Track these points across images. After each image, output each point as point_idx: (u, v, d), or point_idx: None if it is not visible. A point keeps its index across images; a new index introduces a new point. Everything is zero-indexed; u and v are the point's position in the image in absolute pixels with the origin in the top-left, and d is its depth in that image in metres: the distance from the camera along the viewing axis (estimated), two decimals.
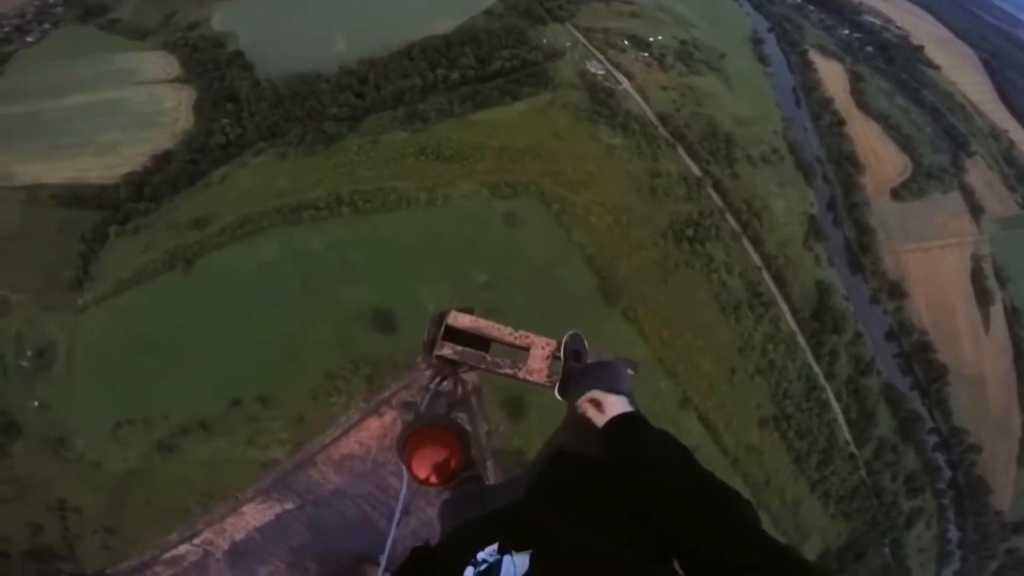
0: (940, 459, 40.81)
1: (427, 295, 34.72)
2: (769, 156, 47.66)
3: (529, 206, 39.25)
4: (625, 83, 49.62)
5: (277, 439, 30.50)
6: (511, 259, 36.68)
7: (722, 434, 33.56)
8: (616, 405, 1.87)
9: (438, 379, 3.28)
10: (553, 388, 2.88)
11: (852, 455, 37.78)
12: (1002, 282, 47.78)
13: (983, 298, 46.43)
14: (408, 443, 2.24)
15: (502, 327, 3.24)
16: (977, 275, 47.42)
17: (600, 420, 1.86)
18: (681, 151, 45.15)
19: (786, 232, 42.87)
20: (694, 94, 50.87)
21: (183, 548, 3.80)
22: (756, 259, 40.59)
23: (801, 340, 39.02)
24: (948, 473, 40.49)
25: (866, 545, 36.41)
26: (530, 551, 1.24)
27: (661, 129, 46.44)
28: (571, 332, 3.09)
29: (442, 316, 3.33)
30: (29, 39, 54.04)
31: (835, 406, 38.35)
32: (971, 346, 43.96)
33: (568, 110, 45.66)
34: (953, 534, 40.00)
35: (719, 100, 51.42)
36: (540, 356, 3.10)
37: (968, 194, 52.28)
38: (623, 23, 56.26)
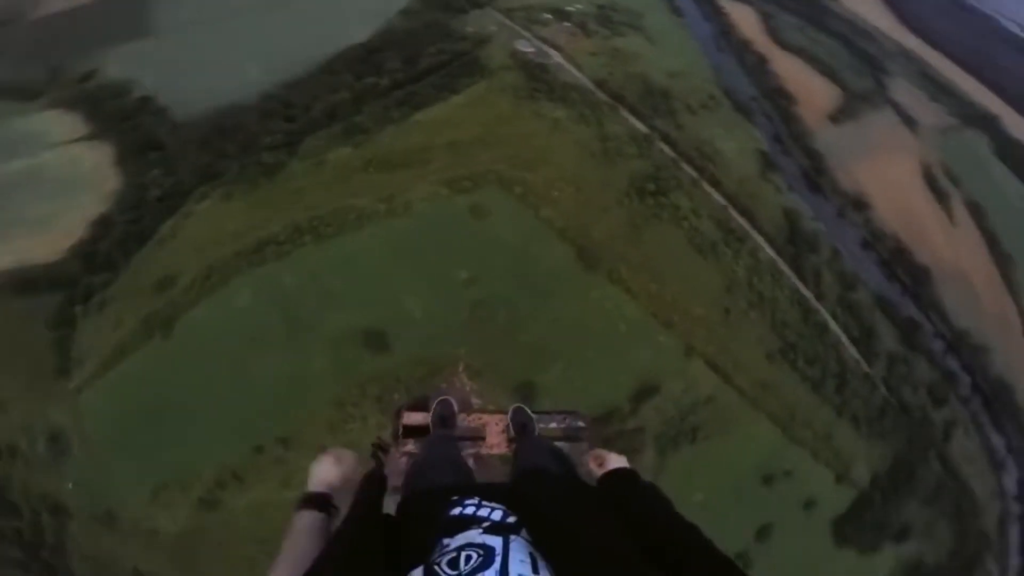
0: (953, 364, 39.52)
1: (413, 304, 34.07)
2: (707, 103, 49.05)
3: (491, 195, 38.92)
4: (555, 56, 49.77)
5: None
6: (486, 250, 36.35)
7: (733, 376, 33.58)
8: (615, 461, 2.23)
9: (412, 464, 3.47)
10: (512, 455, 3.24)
11: (867, 374, 37.06)
12: (954, 180, 50.32)
13: (941, 196, 48.75)
14: None
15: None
16: (928, 177, 49.88)
17: (599, 472, 2.17)
18: (624, 112, 45.83)
19: (742, 170, 44.24)
20: (622, 55, 51.60)
21: None
22: (720, 199, 41.63)
23: (783, 266, 39.67)
24: (967, 379, 39.29)
25: (912, 464, 35.41)
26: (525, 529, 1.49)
27: (600, 94, 46.94)
28: (515, 406, 3.44)
29: (399, 411, 3.56)
30: None
31: (833, 326, 38.04)
32: (944, 243, 45.65)
33: (507, 93, 45.38)
34: (997, 440, 38.47)
35: (647, 57, 52.36)
36: (495, 431, 3.41)
37: (899, 109, 55.27)
38: None
